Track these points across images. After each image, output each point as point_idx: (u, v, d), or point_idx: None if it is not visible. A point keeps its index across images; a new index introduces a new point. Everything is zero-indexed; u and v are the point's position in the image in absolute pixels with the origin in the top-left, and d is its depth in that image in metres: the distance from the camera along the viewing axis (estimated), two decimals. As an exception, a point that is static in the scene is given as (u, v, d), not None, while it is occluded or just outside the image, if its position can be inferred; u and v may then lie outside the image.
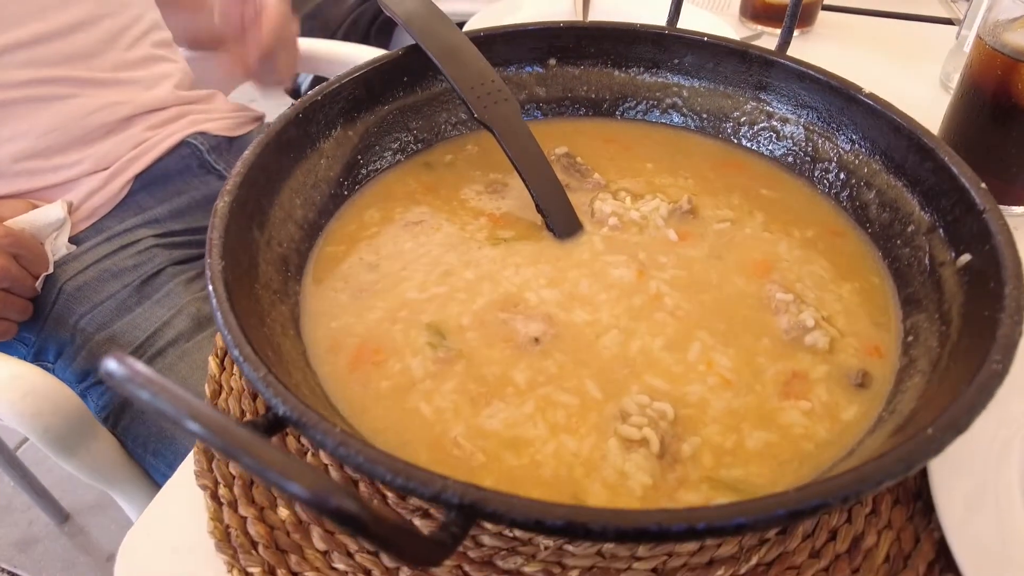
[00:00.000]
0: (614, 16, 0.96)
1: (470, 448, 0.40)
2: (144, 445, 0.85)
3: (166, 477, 0.51)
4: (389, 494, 0.46)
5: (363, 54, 1.26)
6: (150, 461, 0.85)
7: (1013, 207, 0.75)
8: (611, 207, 0.56)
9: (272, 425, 0.34)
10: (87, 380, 0.87)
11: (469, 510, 0.29)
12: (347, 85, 0.57)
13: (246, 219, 0.47)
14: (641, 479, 0.38)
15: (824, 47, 1.09)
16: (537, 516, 0.28)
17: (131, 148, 0.96)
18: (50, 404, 0.78)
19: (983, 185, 0.46)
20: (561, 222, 0.55)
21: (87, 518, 1.58)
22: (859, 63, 1.05)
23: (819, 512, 0.28)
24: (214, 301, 0.39)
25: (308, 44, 1.36)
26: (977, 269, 0.43)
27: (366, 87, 0.59)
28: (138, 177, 0.96)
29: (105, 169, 0.94)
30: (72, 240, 0.91)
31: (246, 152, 0.49)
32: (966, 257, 0.45)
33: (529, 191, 0.55)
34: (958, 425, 0.31)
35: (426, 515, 0.45)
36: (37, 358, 0.90)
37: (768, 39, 1.10)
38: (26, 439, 1.71)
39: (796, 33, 1.11)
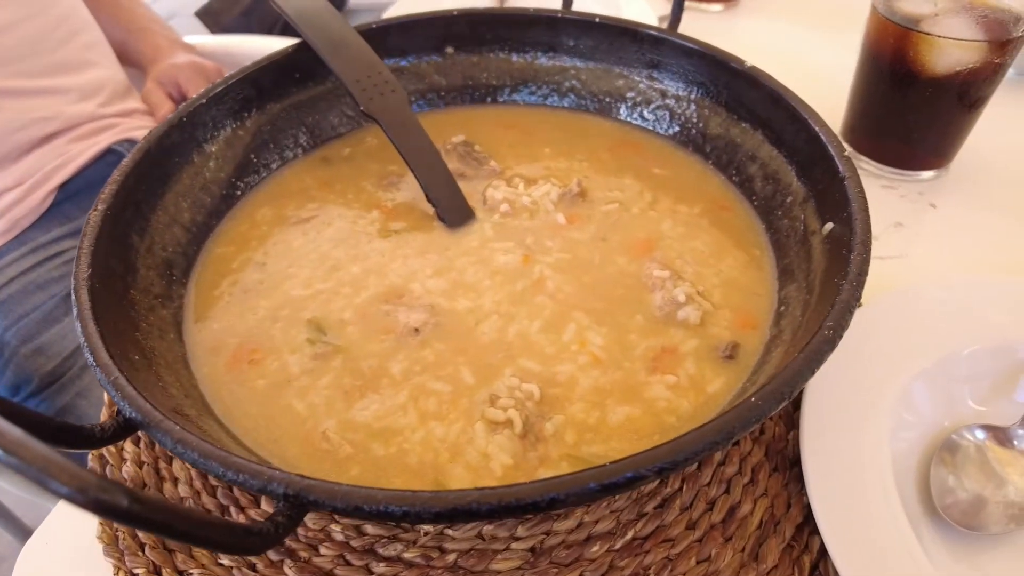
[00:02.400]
0: (533, 1, 0.96)
1: (338, 440, 0.40)
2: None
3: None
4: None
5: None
6: None
7: (920, 171, 0.77)
8: (503, 194, 0.56)
9: (122, 428, 0.34)
10: (20, 393, 0.87)
11: (295, 499, 0.29)
12: (233, 86, 0.57)
13: (123, 226, 0.47)
14: (502, 459, 0.39)
15: (748, 21, 1.10)
16: (358, 503, 0.29)
17: (54, 159, 0.95)
18: (-23, 420, 0.78)
19: (846, 152, 0.46)
20: (452, 211, 0.55)
21: (52, 532, 1.57)
22: (784, 35, 1.06)
23: (634, 484, 0.29)
24: (75, 310, 0.39)
25: (244, 42, 1.35)
26: (837, 236, 0.44)
27: (255, 86, 0.59)
28: (62, 187, 0.95)
29: (24, 183, 0.92)
30: None
31: (124, 160, 0.49)
32: (830, 225, 0.45)
33: (418, 181, 0.55)
34: (782, 393, 0.32)
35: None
36: (-34, 374, 0.90)
37: (694, 15, 1.10)
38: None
39: (720, 8, 1.11)
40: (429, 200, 0.55)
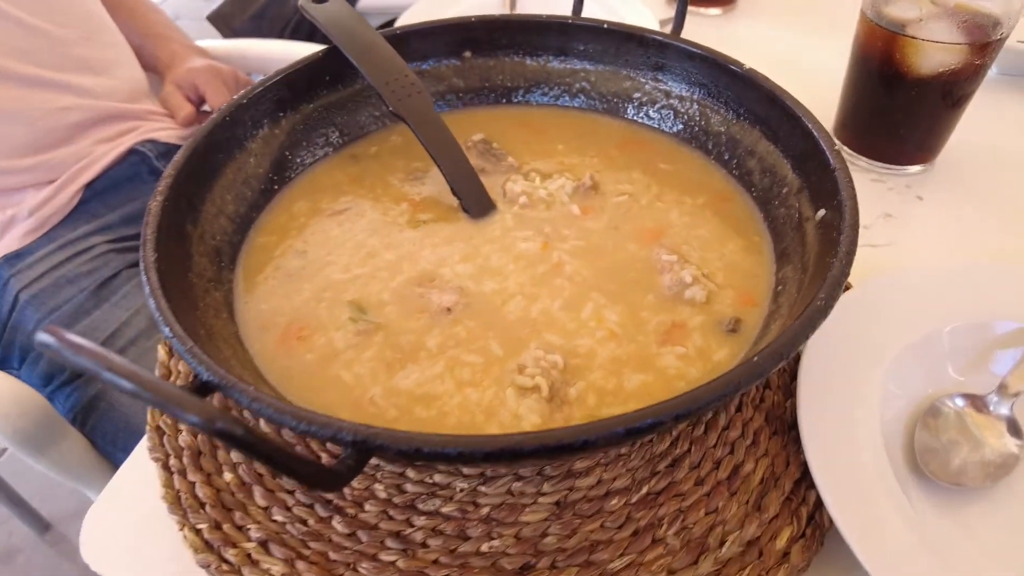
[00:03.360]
0: (542, 8, 1.01)
1: (385, 405, 0.45)
2: (113, 442, 0.89)
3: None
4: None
5: (308, 51, 1.29)
6: (120, 457, 0.89)
7: (908, 166, 0.82)
8: (521, 187, 0.61)
9: (198, 390, 0.39)
10: (53, 383, 0.91)
11: (361, 445, 0.34)
12: (271, 87, 0.62)
13: (179, 216, 0.52)
14: (532, 419, 0.43)
15: (746, 24, 1.15)
16: (418, 445, 0.33)
17: (80, 159, 0.99)
18: (17, 407, 0.82)
19: (836, 147, 0.51)
20: (474, 203, 0.60)
21: (69, 526, 1.61)
22: (778, 37, 1.12)
23: (655, 429, 0.34)
24: (147, 288, 0.43)
25: (256, 45, 1.40)
26: (828, 221, 0.49)
27: (290, 88, 0.63)
28: (88, 186, 0.99)
29: (53, 181, 0.97)
30: (24, 250, 0.95)
31: (176, 155, 0.54)
32: (822, 212, 0.50)
33: (444, 176, 0.60)
34: (780, 353, 0.37)
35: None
36: (2, 365, 0.94)
37: (692, 18, 1.15)
38: (1, 452, 1.73)
39: (718, 12, 1.16)
40: (454, 193, 0.60)
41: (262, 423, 0.54)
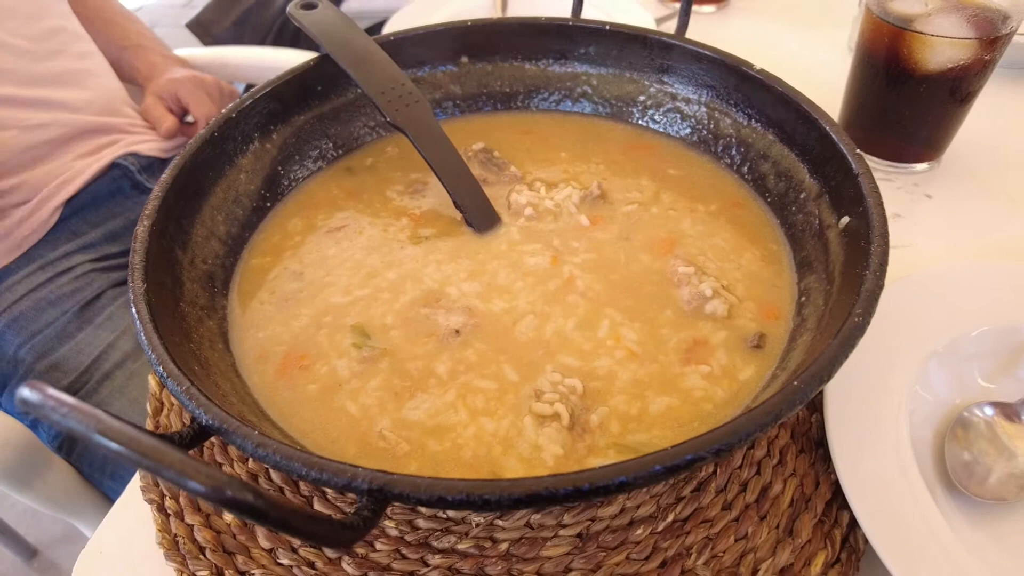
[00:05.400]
0: (533, 9, 0.98)
1: (395, 439, 0.42)
2: (101, 469, 0.86)
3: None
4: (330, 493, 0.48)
5: (293, 58, 1.26)
6: (108, 484, 0.86)
7: (915, 164, 0.80)
8: (527, 198, 0.58)
9: (198, 435, 0.36)
10: (37, 410, 0.87)
11: (379, 494, 0.31)
12: (260, 100, 0.59)
13: (167, 241, 0.49)
14: (553, 450, 0.41)
15: (740, 21, 1.13)
16: (441, 493, 0.31)
17: (59, 175, 0.95)
18: (-1, 438, 0.79)
19: (858, 151, 0.49)
20: (478, 216, 0.57)
21: (56, 551, 1.56)
22: (773, 33, 1.10)
23: (694, 466, 0.32)
24: (137, 323, 0.40)
25: (238, 53, 1.36)
26: (853, 229, 0.47)
27: (279, 100, 0.60)
28: (68, 203, 0.95)
29: (31, 200, 0.93)
30: (2, 272, 0.91)
31: (163, 176, 0.50)
32: (846, 219, 0.48)
33: (446, 189, 0.57)
34: (821, 376, 0.35)
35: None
36: (-18, 393, 0.90)
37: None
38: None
39: (712, 9, 1.15)
40: (457, 207, 0.57)
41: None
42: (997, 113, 0.86)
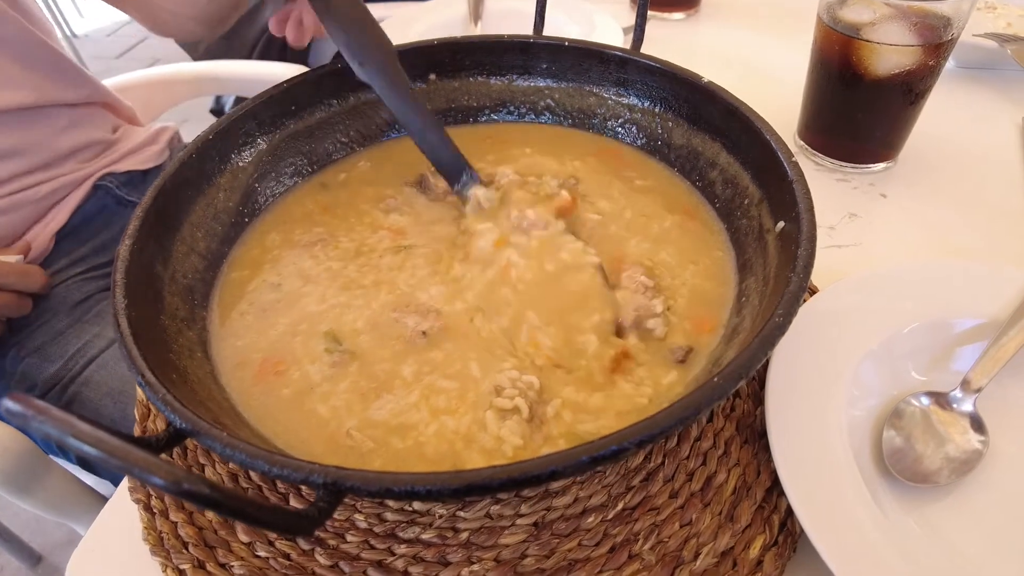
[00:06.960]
0: (506, 23, 1.02)
1: (361, 438, 0.46)
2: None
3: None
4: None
5: (281, 72, 1.29)
6: (102, 476, 0.89)
7: (872, 164, 0.84)
8: (490, 198, 0.62)
9: (173, 438, 0.40)
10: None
11: (333, 487, 0.34)
12: (236, 121, 0.62)
13: (148, 257, 0.52)
14: (513, 441, 0.44)
15: (708, 27, 1.17)
16: (388, 485, 0.34)
17: (47, 221, 0.97)
18: (-3, 445, 0.82)
19: (794, 159, 0.52)
20: (453, 171, 0.63)
21: (60, 557, 1.59)
22: (741, 39, 1.13)
23: (620, 456, 0.35)
24: (119, 337, 0.44)
25: (228, 67, 1.40)
26: (787, 234, 0.50)
27: (255, 120, 0.64)
28: (59, 232, 0.98)
29: (25, 254, 0.95)
30: None
31: (144, 197, 0.54)
32: (782, 223, 0.51)
33: (420, 148, 0.62)
34: (739, 373, 0.38)
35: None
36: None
37: (657, 24, 1.17)
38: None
39: (682, 16, 1.18)
40: (434, 164, 0.62)
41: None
42: (951, 112, 0.90)
